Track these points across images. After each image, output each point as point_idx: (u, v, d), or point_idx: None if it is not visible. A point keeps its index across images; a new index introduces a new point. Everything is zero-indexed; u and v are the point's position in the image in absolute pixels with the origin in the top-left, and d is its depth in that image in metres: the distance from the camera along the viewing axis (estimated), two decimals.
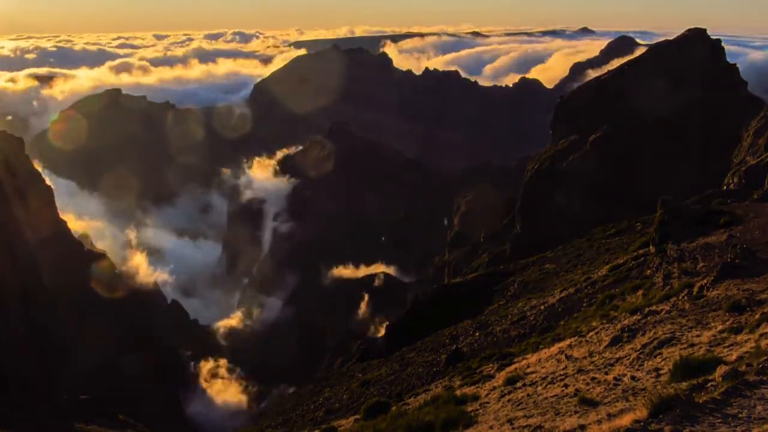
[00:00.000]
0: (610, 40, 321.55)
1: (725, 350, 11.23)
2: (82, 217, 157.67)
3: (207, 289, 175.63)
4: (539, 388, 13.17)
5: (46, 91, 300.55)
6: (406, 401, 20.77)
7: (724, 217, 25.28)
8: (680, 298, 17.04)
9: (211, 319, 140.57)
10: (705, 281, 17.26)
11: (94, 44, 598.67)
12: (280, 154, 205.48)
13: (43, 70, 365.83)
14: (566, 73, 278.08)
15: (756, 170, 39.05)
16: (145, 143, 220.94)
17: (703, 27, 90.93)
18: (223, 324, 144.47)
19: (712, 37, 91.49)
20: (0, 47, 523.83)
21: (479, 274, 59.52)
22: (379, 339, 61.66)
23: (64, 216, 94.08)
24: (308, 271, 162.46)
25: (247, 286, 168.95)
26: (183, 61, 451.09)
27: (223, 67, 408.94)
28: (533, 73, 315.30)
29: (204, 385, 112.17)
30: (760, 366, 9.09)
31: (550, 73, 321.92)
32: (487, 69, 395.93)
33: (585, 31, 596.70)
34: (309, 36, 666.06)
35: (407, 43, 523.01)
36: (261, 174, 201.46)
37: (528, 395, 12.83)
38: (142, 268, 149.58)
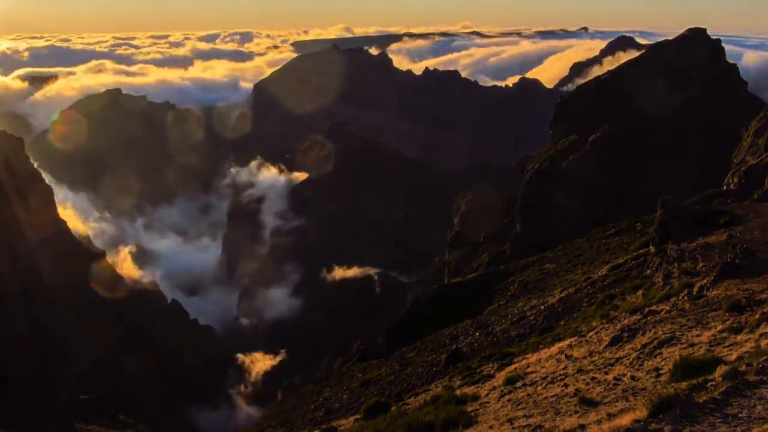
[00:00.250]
0: (610, 40, 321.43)
1: (725, 350, 11.23)
2: (82, 217, 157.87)
3: (207, 288, 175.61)
4: (539, 388, 13.17)
5: (46, 91, 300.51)
6: (406, 401, 20.77)
7: (724, 217, 25.27)
8: (680, 298, 17.04)
9: (211, 319, 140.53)
10: (705, 281, 17.26)
11: (94, 44, 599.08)
12: (280, 155, 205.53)
13: (43, 70, 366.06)
14: (566, 73, 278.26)
15: (756, 170, 39.02)
16: (145, 143, 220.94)
17: (703, 27, 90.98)
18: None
19: (711, 37, 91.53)
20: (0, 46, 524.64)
21: (479, 274, 59.51)
22: (379, 339, 61.65)
23: (64, 216, 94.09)
24: (308, 271, 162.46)
25: (247, 286, 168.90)
26: (183, 61, 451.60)
27: (223, 67, 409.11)
28: (533, 73, 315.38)
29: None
30: (760, 366, 9.09)
31: (550, 73, 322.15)
32: (487, 69, 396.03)
33: (585, 31, 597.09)
34: (309, 36, 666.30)
35: (407, 43, 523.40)
36: (261, 174, 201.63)
37: (528, 395, 12.83)
38: (142, 267, 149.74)
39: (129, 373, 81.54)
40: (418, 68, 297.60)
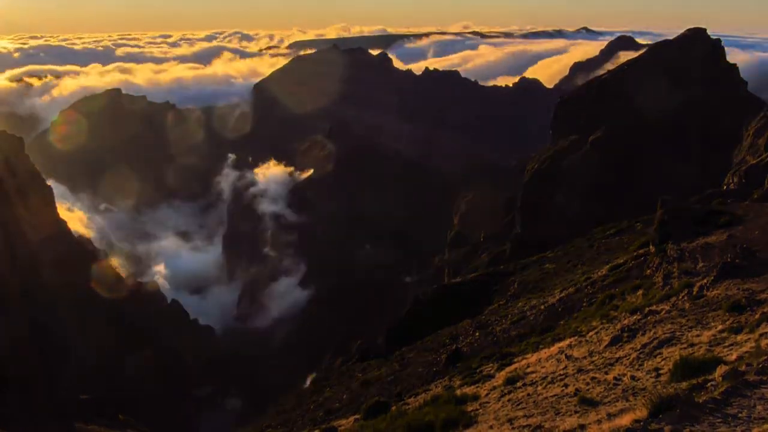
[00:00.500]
0: (610, 40, 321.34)
1: (725, 350, 11.23)
2: (82, 217, 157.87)
3: (207, 288, 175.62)
4: (539, 387, 13.17)
5: (46, 91, 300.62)
6: (406, 401, 20.77)
7: (724, 217, 25.27)
8: (680, 298, 17.04)
9: (211, 319, 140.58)
10: (705, 281, 17.26)
11: (95, 44, 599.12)
12: (280, 155, 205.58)
13: (43, 70, 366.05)
14: (566, 73, 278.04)
15: (756, 170, 39.02)
16: (145, 143, 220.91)
17: (703, 27, 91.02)
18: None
19: (711, 37, 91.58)
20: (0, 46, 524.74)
21: (479, 274, 59.49)
22: (379, 339, 61.63)
23: (64, 216, 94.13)
24: (308, 270, 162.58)
25: (247, 285, 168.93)
26: (183, 61, 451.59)
27: (223, 66, 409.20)
28: (533, 73, 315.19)
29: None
30: (760, 366, 9.09)
31: (549, 73, 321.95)
32: (487, 69, 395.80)
33: (585, 31, 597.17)
34: (309, 36, 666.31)
35: (407, 43, 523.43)
36: (261, 174, 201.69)
37: (528, 395, 12.83)
38: (141, 267, 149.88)
39: (129, 373, 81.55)
40: (418, 68, 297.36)
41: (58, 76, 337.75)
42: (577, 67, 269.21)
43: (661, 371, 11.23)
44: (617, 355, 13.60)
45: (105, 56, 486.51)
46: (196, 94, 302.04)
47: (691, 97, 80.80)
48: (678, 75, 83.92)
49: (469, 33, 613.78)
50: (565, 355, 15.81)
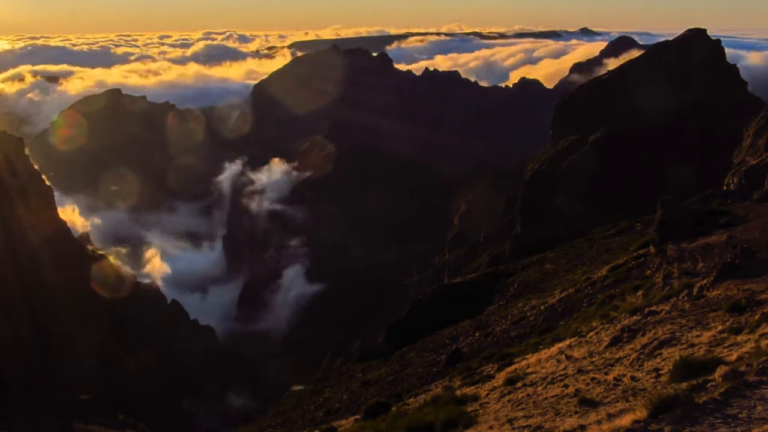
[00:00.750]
0: (610, 41, 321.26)
1: (725, 350, 11.23)
2: (82, 217, 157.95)
3: (207, 288, 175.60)
4: (539, 388, 13.18)
5: (46, 91, 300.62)
6: (406, 401, 20.78)
7: (724, 217, 25.26)
8: (680, 298, 17.04)
9: (211, 319, 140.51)
10: (705, 281, 17.26)
11: (95, 44, 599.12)
12: (280, 155, 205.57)
13: (43, 70, 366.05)
14: (566, 73, 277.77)
15: (756, 170, 39.02)
16: (145, 143, 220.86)
17: (703, 27, 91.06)
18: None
19: (711, 37, 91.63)
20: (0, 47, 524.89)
21: (479, 274, 59.51)
22: (379, 339, 61.66)
23: (64, 216, 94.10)
24: (308, 270, 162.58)
25: (247, 285, 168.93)
26: (183, 61, 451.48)
27: (224, 67, 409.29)
28: (533, 73, 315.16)
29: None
30: (760, 366, 9.09)
31: (549, 73, 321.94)
32: (487, 69, 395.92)
33: (585, 31, 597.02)
34: (309, 36, 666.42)
35: (407, 43, 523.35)
36: (261, 174, 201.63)
37: (528, 395, 12.83)
38: (142, 268, 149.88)
39: (129, 373, 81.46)
40: (417, 68, 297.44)
41: (58, 76, 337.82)
42: (577, 68, 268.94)
43: (661, 372, 11.24)
44: (617, 356, 13.61)
45: (105, 57, 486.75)
46: (196, 94, 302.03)
47: (691, 97, 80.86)
48: (678, 75, 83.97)
49: (469, 33, 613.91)
50: (565, 355, 15.81)
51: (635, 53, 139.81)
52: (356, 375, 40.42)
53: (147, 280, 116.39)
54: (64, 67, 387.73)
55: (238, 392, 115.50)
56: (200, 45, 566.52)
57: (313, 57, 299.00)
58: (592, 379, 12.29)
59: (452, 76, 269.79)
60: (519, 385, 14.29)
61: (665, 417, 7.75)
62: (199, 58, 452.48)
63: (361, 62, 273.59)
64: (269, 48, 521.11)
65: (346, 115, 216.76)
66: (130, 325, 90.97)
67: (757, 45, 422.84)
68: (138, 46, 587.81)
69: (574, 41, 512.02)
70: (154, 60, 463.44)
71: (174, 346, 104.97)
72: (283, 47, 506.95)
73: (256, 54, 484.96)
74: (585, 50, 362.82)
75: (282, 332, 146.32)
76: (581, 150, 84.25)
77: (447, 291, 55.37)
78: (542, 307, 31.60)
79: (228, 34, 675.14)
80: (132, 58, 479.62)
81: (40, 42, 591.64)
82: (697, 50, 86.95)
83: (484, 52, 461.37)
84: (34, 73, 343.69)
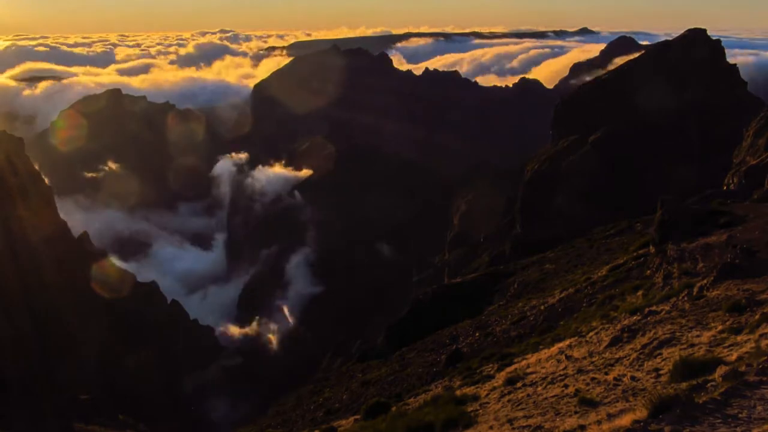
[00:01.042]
0: (610, 41, 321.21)
1: (725, 350, 11.23)
2: (81, 217, 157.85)
3: (207, 289, 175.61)
4: (539, 388, 13.18)
5: (46, 91, 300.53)
6: (406, 401, 20.78)
7: (724, 217, 25.26)
8: (680, 298, 17.04)
9: (211, 319, 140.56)
10: (705, 281, 17.26)
11: (95, 44, 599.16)
12: (279, 155, 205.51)
13: (43, 70, 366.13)
14: (566, 73, 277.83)
15: (756, 170, 39.01)
16: (145, 143, 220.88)
17: (703, 27, 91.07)
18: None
19: (711, 37, 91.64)
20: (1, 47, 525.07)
21: (479, 274, 59.51)
22: (379, 339, 61.67)
23: (64, 216, 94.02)
24: (308, 271, 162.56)
25: (247, 285, 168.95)
26: (183, 61, 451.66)
27: (224, 67, 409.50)
28: (533, 73, 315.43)
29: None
30: (760, 366, 9.09)
31: (549, 73, 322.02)
32: (487, 69, 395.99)
33: (585, 31, 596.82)
34: (309, 36, 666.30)
35: (407, 44, 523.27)
36: (261, 174, 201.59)
37: (528, 395, 12.83)
38: (141, 267, 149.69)
39: (129, 372, 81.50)
40: (418, 68, 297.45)
41: (58, 76, 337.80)
42: (577, 68, 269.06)
43: (661, 372, 11.24)
44: (617, 356, 13.61)
45: (105, 57, 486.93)
46: (196, 94, 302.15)
47: (691, 97, 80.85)
48: (678, 75, 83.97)
49: (469, 33, 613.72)
50: (565, 355, 15.81)
51: (635, 53, 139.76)
52: (356, 375, 40.43)
53: (147, 280, 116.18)
54: (65, 67, 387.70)
55: (238, 392, 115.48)
56: (201, 45, 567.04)
57: (313, 57, 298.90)
58: (592, 379, 12.30)
59: (452, 76, 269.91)
60: (519, 385, 14.29)
61: (665, 417, 7.75)
62: (200, 58, 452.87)
63: (361, 62, 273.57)
64: (269, 48, 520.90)
65: (346, 115, 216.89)
66: (130, 325, 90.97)
67: (757, 44, 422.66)
68: (138, 46, 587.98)
69: (574, 41, 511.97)
70: (154, 60, 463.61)
71: (174, 346, 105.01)
72: (283, 47, 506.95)
73: (257, 54, 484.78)
74: (585, 50, 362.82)
75: (282, 332, 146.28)
76: (581, 150, 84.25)
77: (447, 291, 55.37)
78: (542, 307, 31.60)
79: (229, 34, 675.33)
80: (132, 58, 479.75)
81: (40, 42, 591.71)
82: (697, 50, 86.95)
83: (483, 52, 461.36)
84: (35, 73, 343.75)
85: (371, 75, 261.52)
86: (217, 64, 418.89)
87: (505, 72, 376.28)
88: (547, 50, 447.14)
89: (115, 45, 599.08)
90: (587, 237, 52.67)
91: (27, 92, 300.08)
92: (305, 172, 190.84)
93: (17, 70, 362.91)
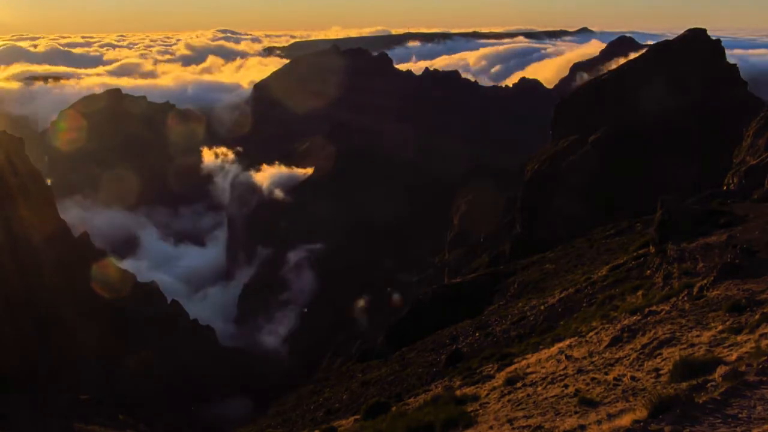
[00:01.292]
0: (610, 41, 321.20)
1: (725, 350, 11.24)
2: (82, 217, 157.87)
3: (207, 289, 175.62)
4: (539, 388, 13.18)
5: (46, 91, 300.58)
6: (406, 401, 20.79)
7: (724, 217, 25.26)
8: (680, 298, 17.04)
9: (211, 319, 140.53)
10: (705, 281, 17.26)
11: (95, 44, 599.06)
12: (279, 155, 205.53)
13: (43, 70, 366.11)
14: (566, 73, 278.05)
15: (756, 170, 39.00)
16: (145, 143, 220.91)
17: (703, 27, 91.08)
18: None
19: (711, 37, 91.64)
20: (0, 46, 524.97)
21: (479, 274, 59.52)
22: (379, 339, 61.67)
23: (64, 216, 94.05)
24: (308, 271, 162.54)
25: (247, 285, 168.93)
26: (183, 61, 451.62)
27: (223, 67, 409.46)
28: (533, 73, 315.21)
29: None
30: (760, 366, 9.09)
31: (549, 73, 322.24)
32: (487, 69, 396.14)
33: (585, 31, 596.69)
34: (309, 36, 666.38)
35: (407, 44, 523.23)
36: (261, 174, 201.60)
37: (528, 395, 12.84)
38: (142, 267, 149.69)
39: (129, 372, 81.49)
40: (418, 68, 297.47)
41: (58, 76, 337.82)
42: (577, 67, 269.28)
43: (661, 372, 11.24)
44: (617, 356, 13.61)
45: (105, 57, 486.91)
46: (196, 94, 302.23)
47: (691, 97, 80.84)
48: (678, 75, 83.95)
49: (469, 33, 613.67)
50: (565, 355, 15.81)
51: (635, 53, 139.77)
52: (356, 375, 40.45)
53: (147, 280, 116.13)
54: (65, 67, 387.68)
55: (238, 392, 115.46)
56: (201, 45, 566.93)
57: (313, 57, 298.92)
58: (592, 379, 12.30)
59: (452, 76, 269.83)
60: (519, 385, 14.30)
61: (665, 417, 7.76)
62: (200, 58, 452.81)
63: (362, 62, 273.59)
64: (269, 48, 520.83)
65: (346, 115, 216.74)
66: (131, 326, 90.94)
67: (758, 44, 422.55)
68: (139, 46, 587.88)
69: (574, 41, 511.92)
70: (154, 60, 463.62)
71: (174, 346, 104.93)
72: (282, 47, 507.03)
73: (257, 54, 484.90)
74: (585, 50, 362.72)
75: (282, 332, 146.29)
76: (581, 150, 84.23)
77: (447, 291, 55.40)
78: (542, 307, 31.60)
79: (229, 34, 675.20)
80: (132, 58, 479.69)
81: (40, 42, 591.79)
82: (697, 50, 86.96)
83: (484, 52, 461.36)
84: (35, 73, 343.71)
85: (371, 75, 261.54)
86: (217, 64, 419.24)
87: (505, 72, 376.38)
88: (547, 50, 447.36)
89: (115, 45, 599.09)
90: (587, 237, 52.69)
91: (27, 92, 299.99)
92: (305, 172, 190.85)
93: (17, 70, 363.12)
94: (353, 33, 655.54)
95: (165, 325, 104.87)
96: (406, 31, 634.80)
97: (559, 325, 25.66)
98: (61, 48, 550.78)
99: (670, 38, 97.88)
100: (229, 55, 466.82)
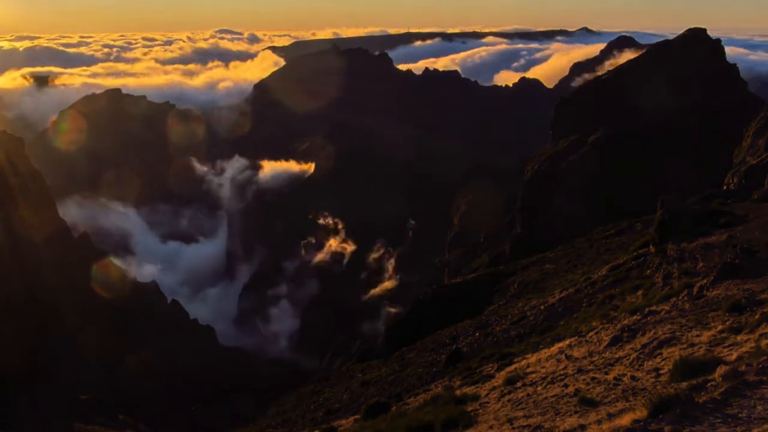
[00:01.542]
0: (610, 40, 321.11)
1: (725, 350, 11.23)
2: (82, 217, 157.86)
3: (207, 288, 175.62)
4: (539, 388, 13.18)
5: (46, 91, 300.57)
6: (406, 401, 20.78)
7: (724, 217, 25.27)
8: (680, 298, 17.04)
9: (212, 319, 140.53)
10: (705, 281, 17.26)
11: (95, 44, 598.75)
12: (279, 155, 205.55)
13: (43, 70, 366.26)
14: (566, 73, 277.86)
15: (756, 170, 39.01)
16: (145, 143, 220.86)
17: (703, 27, 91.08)
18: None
19: (711, 37, 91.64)
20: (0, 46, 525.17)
21: (479, 274, 59.52)
22: (379, 339, 61.67)
23: (64, 216, 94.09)
24: (308, 271, 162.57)
25: (247, 285, 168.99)
26: (183, 61, 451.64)
27: (223, 67, 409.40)
28: (533, 73, 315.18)
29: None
30: (760, 366, 9.09)
31: (550, 73, 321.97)
32: (488, 69, 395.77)
33: (585, 31, 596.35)
34: (309, 36, 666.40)
35: (407, 43, 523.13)
36: (260, 174, 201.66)
37: (528, 395, 12.83)
38: (142, 267, 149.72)
39: (129, 372, 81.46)
40: (418, 68, 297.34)
41: (58, 76, 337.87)
42: (577, 67, 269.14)
43: (661, 371, 11.24)
44: (617, 356, 13.61)
45: (105, 57, 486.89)
46: (196, 94, 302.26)
47: (691, 97, 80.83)
48: (678, 75, 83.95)
49: (469, 33, 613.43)
50: (565, 355, 15.81)
51: (635, 53, 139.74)
52: (356, 375, 40.46)
53: (147, 280, 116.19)
54: (65, 67, 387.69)
55: (238, 392, 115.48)
56: (201, 45, 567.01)
57: (314, 57, 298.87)
58: (592, 378, 12.30)
59: (452, 76, 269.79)
60: (519, 384, 14.29)
61: (665, 417, 7.76)
62: (200, 58, 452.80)
63: (361, 62, 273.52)
64: (269, 48, 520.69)
65: (346, 115, 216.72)
66: (131, 325, 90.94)
67: (758, 44, 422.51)
68: (139, 46, 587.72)
69: (574, 41, 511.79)
70: (155, 60, 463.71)
71: (174, 346, 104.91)
72: (283, 47, 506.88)
73: (257, 54, 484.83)
74: (585, 50, 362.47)
75: (282, 332, 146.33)
76: (581, 150, 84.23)
77: (447, 291, 55.40)
78: (542, 307, 31.60)
79: (229, 34, 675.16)
80: (132, 58, 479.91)
81: (40, 42, 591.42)
82: (697, 50, 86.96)
83: (484, 52, 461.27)
84: (34, 73, 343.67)
85: (371, 75, 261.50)
86: (217, 64, 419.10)
87: (505, 72, 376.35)
88: (547, 50, 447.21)
89: (115, 45, 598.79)
90: (587, 237, 52.70)
91: (27, 92, 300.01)
92: (305, 172, 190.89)
93: (17, 69, 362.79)
94: (353, 33, 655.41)
95: (165, 325, 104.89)
96: (406, 31, 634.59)
97: (559, 324, 25.66)
98: (61, 48, 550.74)
99: (670, 38, 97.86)
100: (229, 55, 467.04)
